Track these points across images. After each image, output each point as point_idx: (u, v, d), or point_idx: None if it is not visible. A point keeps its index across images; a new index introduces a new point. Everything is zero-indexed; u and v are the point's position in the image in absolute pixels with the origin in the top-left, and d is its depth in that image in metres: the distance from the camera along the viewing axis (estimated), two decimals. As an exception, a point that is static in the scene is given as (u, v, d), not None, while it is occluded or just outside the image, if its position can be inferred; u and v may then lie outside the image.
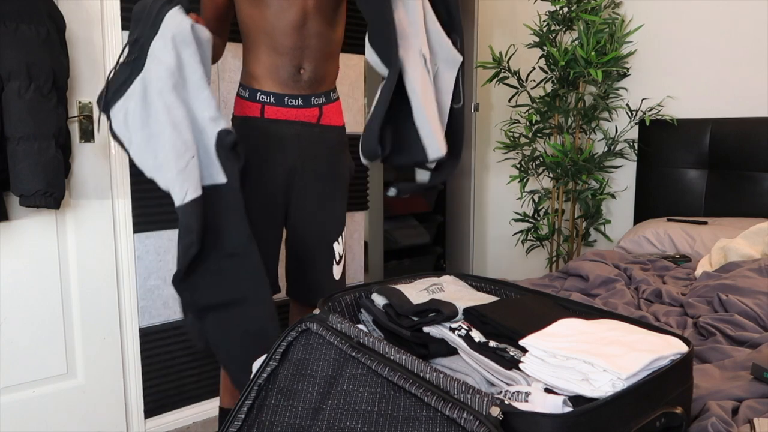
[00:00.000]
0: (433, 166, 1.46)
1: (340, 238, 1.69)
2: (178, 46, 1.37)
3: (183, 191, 1.34)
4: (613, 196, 2.76)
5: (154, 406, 2.09)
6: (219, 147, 1.40)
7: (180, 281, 1.41)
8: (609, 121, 2.74)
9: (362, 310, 1.14)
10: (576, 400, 0.76)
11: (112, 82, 1.38)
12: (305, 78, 1.55)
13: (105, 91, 1.39)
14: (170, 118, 1.35)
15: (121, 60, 1.39)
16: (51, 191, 1.63)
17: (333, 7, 1.57)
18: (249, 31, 1.54)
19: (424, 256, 3.48)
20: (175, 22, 1.37)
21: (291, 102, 1.56)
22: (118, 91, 1.37)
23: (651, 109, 2.53)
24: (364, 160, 1.35)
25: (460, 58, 1.46)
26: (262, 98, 1.55)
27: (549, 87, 2.72)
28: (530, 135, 2.69)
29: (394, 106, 1.33)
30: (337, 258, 1.68)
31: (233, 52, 2.12)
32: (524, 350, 0.87)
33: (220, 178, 1.40)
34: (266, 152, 1.56)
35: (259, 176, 1.56)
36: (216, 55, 1.61)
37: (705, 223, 2.20)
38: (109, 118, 1.39)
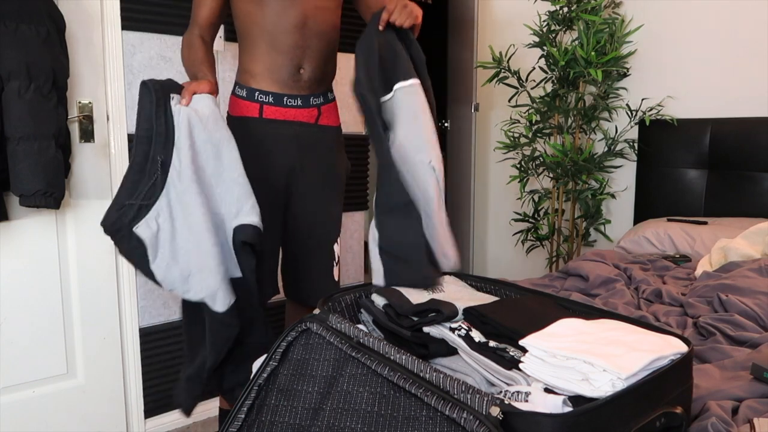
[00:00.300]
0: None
1: (338, 239, 1.69)
2: (199, 137, 1.35)
3: (227, 297, 1.34)
4: (613, 196, 2.76)
5: (154, 406, 2.09)
6: (235, 243, 1.39)
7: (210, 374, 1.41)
8: (609, 121, 2.74)
9: (362, 310, 1.14)
10: (576, 400, 0.76)
11: (126, 201, 1.33)
12: (305, 78, 1.54)
13: (119, 210, 1.34)
14: (205, 222, 1.34)
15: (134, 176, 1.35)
16: (51, 191, 1.63)
17: (334, 7, 1.57)
18: (248, 29, 1.52)
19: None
20: (185, 115, 1.34)
21: (290, 102, 1.54)
22: (140, 211, 1.33)
23: (651, 109, 2.53)
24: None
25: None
26: (261, 98, 1.53)
27: (549, 87, 2.72)
28: (530, 135, 2.69)
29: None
30: (336, 259, 1.67)
31: (233, 52, 2.12)
32: (524, 350, 0.87)
33: (236, 272, 1.40)
34: (265, 153, 1.55)
35: (258, 177, 1.54)
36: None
37: (705, 223, 2.20)
38: (124, 239, 1.34)
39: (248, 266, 1.39)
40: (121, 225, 1.33)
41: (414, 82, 1.36)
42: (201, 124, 1.36)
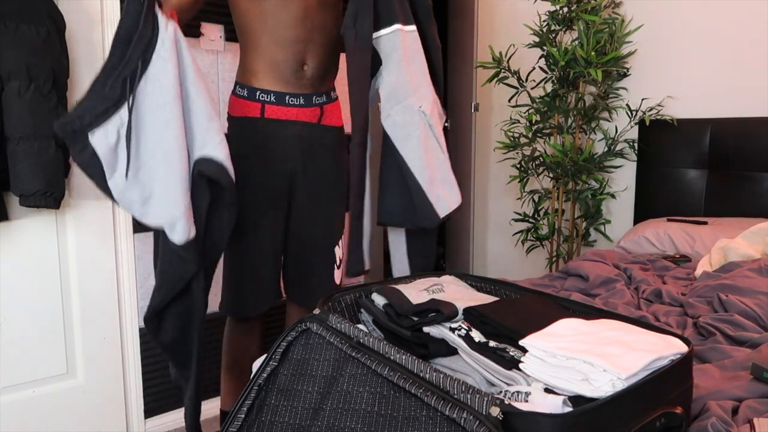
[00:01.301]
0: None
1: (340, 242, 1.67)
2: (182, 54, 1.24)
3: (188, 227, 1.25)
4: (613, 196, 2.76)
5: (154, 406, 2.09)
6: (193, 174, 1.28)
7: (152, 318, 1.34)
8: (609, 121, 2.74)
9: (362, 310, 1.14)
10: (576, 400, 0.76)
11: (89, 104, 1.18)
12: (308, 75, 1.52)
13: (77, 113, 1.18)
14: (182, 145, 1.23)
15: (103, 77, 1.20)
16: (51, 191, 1.63)
17: (335, 2, 1.54)
18: (248, 26, 1.49)
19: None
20: (173, 27, 1.23)
21: (293, 101, 1.51)
22: (100, 115, 1.18)
23: (651, 109, 2.53)
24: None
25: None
26: (262, 97, 1.50)
27: (549, 87, 2.72)
28: (530, 135, 2.69)
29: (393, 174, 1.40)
30: (338, 262, 1.65)
31: (233, 52, 2.12)
32: (524, 350, 0.87)
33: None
34: (267, 154, 1.53)
35: (260, 178, 1.53)
36: None
37: (705, 223, 2.20)
38: (78, 145, 1.19)
39: (202, 204, 1.29)
40: (75, 128, 1.17)
41: (411, 28, 1.43)
42: (186, 43, 1.26)
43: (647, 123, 2.51)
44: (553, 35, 2.61)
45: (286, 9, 1.45)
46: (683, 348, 0.85)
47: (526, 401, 0.77)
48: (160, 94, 1.22)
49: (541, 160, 2.66)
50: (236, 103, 1.55)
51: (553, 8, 2.60)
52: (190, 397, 1.42)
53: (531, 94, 2.68)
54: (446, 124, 3.37)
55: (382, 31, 1.45)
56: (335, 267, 1.65)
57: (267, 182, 1.54)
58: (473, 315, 0.99)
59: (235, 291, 1.58)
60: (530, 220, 2.82)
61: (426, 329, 1.01)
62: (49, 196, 1.63)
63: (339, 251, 1.66)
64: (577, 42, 2.49)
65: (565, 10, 2.55)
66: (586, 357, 0.79)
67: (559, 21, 2.58)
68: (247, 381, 1.65)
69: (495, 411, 0.70)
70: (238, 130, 1.53)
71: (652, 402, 0.78)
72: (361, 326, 1.03)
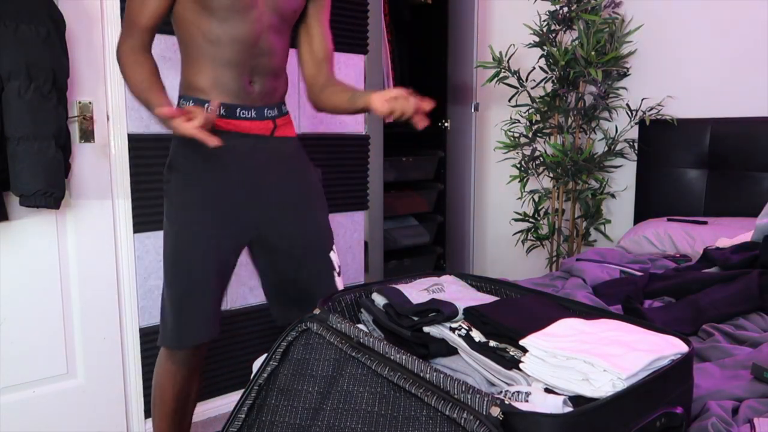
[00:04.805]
0: None
1: (334, 247, 1.57)
2: None
3: None
4: (613, 195, 2.76)
5: (154, 406, 2.09)
6: None
7: None
8: (609, 120, 2.74)
9: (362, 310, 1.14)
10: (576, 400, 0.76)
11: None
12: (257, 90, 1.42)
13: None
14: None
15: None
16: (51, 191, 1.63)
17: (289, 25, 1.47)
18: (191, 39, 1.38)
19: (424, 256, 3.48)
20: None
21: (243, 114, 1.41)
22: None
23: (651, 109, 2.53)
24: None
25: None
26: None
27: (549, 87, 2.72)
28: (530, 135, 2.69)
29: None
30: (337, 269, 1.56)
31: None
32: (524, 350, 0.87)
33: None
34: (220, 167, 1.41)
35: (213, 191, 1.42)
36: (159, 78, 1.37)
37: (705, 223, 2.20)
38: None
39: None
40: None
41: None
42: None
43: (647, 123, 2.51)
44: (553, 35, 2.61)
45: (234, 30, 1.36)
46: (683, 348, 0.85)
47: (527, 401, 0.77)
48: None
49: (541, 159, 2.66)
50: None
51: (553, 8, 2.60)
52: None
53: (531, 93, 2.68)
54: (446, 124, 3.37)
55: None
56: (335, 274, 1.55)
57: (220, 196, 1.42)
58: (473, 315, 0.99)
59: (176, 315, 1.44)
60: (530, 219, 2.82)
61: (426, 329, 1.01)
62: (49, 196, 1.63)
63: (335, 257, 1.56)
64: (577, 42, 2.49)
65: (565, 9, 2.55)
66: (586, 357, 0.79)
67: (559, 21, 2.58)
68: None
69: (495, 411, 0.70)
70: (187, 145, 1.39)
71: (652, 402, 0.78)
72: (361, 326, 1.03)
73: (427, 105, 1.35)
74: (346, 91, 1.50)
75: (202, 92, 1.40)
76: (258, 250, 1.52)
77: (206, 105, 1.32)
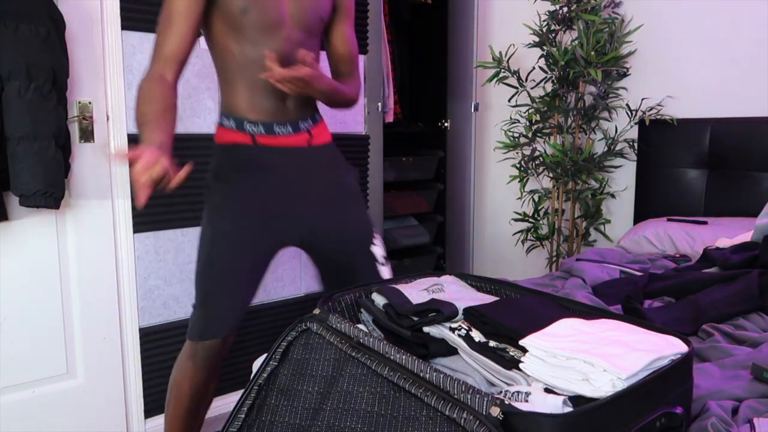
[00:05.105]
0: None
1: (375, 241, 1.63)
2: None
3: None
4: (612, 195, 2.76)
5: (154, 406, 2.09)
6: None
7: None
8: (609, 120, 2.74)
9: (362, 310, 1.14)
10: (576, 400, 0.76)
11: None
12: (290, 107, 1.49)
13: None
14: None
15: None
16: (51, 191, 1.63)
17: (317, 37, 1.51)
18: (225, 64, 1.45)
19: (424, 256, 3.48)
20: None
21: (280, 130, 1.48)
22: None
23: (651, 109, 2.53)
24: None
25: None
26: (251, 128, 1.46)
27: (549, 87, 2.72)
28: (530, 135, 2.69)
29: None
30: (381, 260, 1.61)
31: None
32: (524, 350, 0.87)
33: None
34: (262, 177, 1.48)
35: (252, 201, 1.48)
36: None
37: (705, 223, 2.20)
38: None
39: None
40: None
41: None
42: None
43: (647, 123, 2.51)
44: (553, 35, 2.61)
45: (262, 50, 1.40)
46: (683, 348, 0.85)
47: (526, 401, 0.77)
48: None
49: (541, 159, 2.66)
50: (225, 132, 1.50)
51: (552, 8, 2.60)
52: None
53: (531, 93, 2.68)
54: (446, 124, 3.37)
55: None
56: (379, 265, 1.60)
57: (255, 204, 1.48)
58: (473, 315, 0.99)
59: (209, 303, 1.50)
60: (530, 219, 2.82)
61: (426, 329, 1.01)
62: (49, 196, 1.63)
63: (378, 249, 1.62)
64: (576, 42, 2.49)
65: (565, 9, 2.55)
66: (586, 357, 0.79)
67: (559, 21, 2.58)
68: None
69: (495, 411, 0.70)
70: (229, 156, 1.48)
71: (652, 402, 0.78)
72: (361, 326, 1.03)
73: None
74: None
75: (240, 111, 1.47)
76: (309, 251, 1.60)
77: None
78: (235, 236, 1.47)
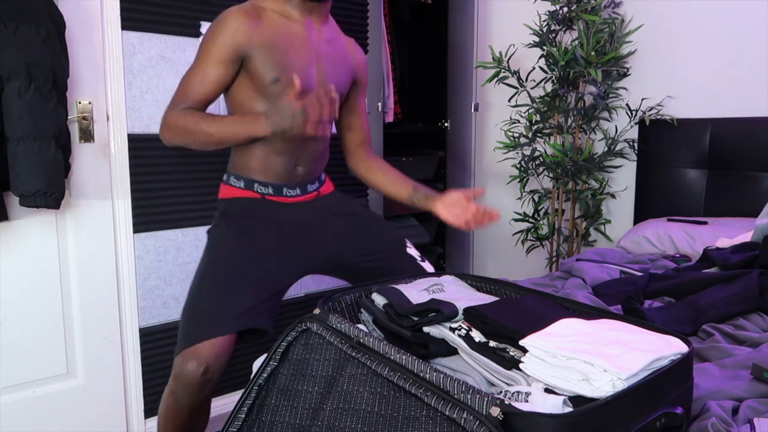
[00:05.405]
0: None
1: (407, 242, 1.66)
2: None
3: None
4: (613, 196, 2.76)
5: (154, 406, 2.09)
6: None
7: None
8: (609, 120, 2.74)
9: (362, 310, 1.14)
10: (576, 400, 0.76)
11: None
12: (301, 173, 1.54)
13: None
14: None
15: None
16: (51, 191, 1.63)
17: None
18: None
19: (424, 256, 3.48)
20: None
21: (289, 192, 1.53)
22: None
23: (651, 109, 2.53)
24: None
25: None
26: (260, 189, 1.50)
27: (549, 87, 2.72)
28: (530, 135, 2.69)
29: None
30: (419, 258, 1.64)
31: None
32: (524, 350, 0.87)
33: None
34: (271, 224, 1.50)
35: (258, 237, 1.48)
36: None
37: (705, 223, 2.20)
38: None
39: None
40: None
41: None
42: None
43: (647, 123, 2.51)
44: (553, 35, 2.61)
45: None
46: (683, 348, 0.85)
47: (526, 401, 0.77)
48: None
49: (541, 160, 2.66)
50: (232, 190, 1.52)
51: (553, 8, 2.60)
52: None
53: (531, 94, 2.68)
54: (446, 124, 3.37)
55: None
56: (419, 262, 1.63)
57: (261, 241, 1.47)
58: (473, 315, 0.99)
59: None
60: (530, 220, 2.82)
61: (426, 329, 1.01)
62: (49, 196, 1.63)
63: (413, 251, 1.65)
64: (577, 42, 2.49)
65: (565, 10, 2.55)
66: (586, 357, 0.79)
67: (559, 21, 2.58)
68: None
69: (495, 411, 0.70)
70: (237, 207, 1.50)
71: (652, 402, 0.78)
72: (361, 326, 1.03)
73: (494, 215, 1.48)
74: (402, 183, 1.64)
75: (251, 173, 1.50)
76: (340, 270, 1.62)
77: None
78: (236, 256, 1.46)
